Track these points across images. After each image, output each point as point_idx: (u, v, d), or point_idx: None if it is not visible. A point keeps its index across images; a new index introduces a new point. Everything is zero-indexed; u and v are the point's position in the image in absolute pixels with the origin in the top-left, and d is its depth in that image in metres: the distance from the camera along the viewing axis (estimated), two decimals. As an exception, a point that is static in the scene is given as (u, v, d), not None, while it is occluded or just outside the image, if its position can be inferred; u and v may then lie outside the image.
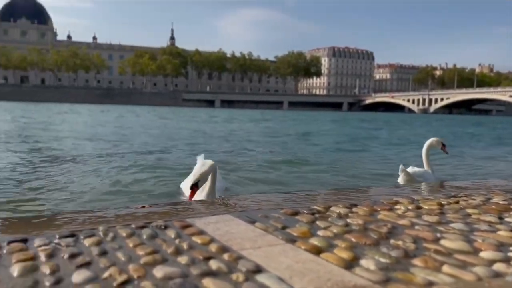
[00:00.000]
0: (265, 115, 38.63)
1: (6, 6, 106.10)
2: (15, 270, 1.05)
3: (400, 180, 4.08)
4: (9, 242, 1.26)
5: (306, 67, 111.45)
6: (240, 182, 4.60)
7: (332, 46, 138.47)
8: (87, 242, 1.28)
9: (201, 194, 2.78)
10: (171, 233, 1.39)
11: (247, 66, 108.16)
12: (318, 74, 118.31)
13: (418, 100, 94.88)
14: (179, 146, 9.51)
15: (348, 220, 1.62)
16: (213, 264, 1.10)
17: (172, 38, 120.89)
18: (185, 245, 1.26)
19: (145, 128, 15.97)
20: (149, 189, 4.03)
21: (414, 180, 4.06)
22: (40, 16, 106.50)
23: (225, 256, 1.17)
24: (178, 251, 1.21)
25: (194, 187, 2.68)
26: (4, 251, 1.20)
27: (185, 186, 3.51)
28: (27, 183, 4.29)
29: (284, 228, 1.50)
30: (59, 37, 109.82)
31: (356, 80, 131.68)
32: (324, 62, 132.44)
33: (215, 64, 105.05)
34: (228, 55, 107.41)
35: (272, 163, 6.34)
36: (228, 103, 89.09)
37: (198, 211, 1.77)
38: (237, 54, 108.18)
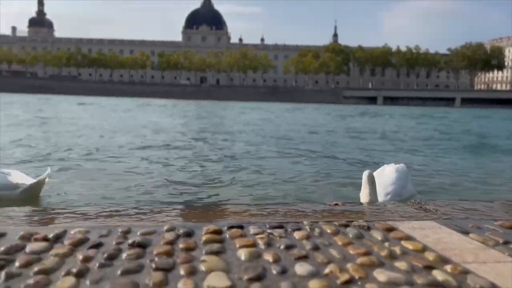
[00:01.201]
0: None
1: (190, 15, 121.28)
2: (242, 254, 1.14)
3: None
4: (229, 227, 1.39)
5: (486, 59, 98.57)
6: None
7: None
8: (296, 235, 1.33)
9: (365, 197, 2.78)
10: (377, 235, 1.35)
11: (413, 60, 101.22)
12: (501, 67, 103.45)
13: None
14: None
15: None
16: (438, 275, 1.02)
17: (335, 35, 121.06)
18: (397, 250, 1.20)
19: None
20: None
21: None
22: (218, 23, 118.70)
23: (448, 268, 1.07)
24: (392, 256, 1.15)
25: None
26: (227, 236, 1.32)
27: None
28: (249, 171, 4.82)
29: (506, 243, 1.31)
30: (231, 41, 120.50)
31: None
32: (509, 53, 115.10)
33: (379, 60, 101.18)
34: (393, 50, 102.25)
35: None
36: (391, 100, 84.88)
37: (397, 214, 1.69)
38: (403, 48, 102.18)
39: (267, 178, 4.32)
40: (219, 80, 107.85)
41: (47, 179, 3.83)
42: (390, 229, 1.42)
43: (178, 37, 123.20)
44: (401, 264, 1.08)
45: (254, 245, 1.22)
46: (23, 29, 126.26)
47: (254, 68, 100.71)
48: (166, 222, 1.46)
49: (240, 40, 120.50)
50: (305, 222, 1.47)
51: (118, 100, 47.48)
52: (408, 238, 1.33)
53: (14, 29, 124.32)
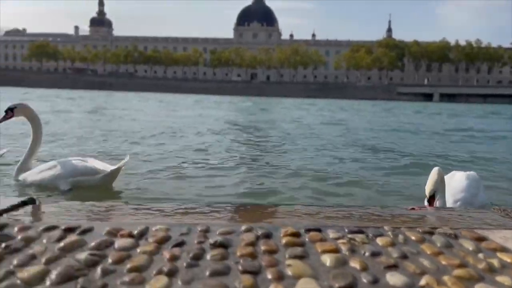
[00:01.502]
0: None
1: (242, 12, 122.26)
2: (327, 260, 1.10)
3: None
4: (307, 230, 1.35)
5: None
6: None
7: None
8: (379, 241, 1.27)
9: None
10: (467, 245, 1.26)
11: (474, 55, 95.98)
12: None
13: None
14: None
15: None
16: (550, 295, 0.93)
17: (389, 30, 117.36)
18: (495, 263, 1.11)
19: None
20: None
21: None
22: (269, 19, 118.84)
23: (557, 286, 0.98)
24: (491, 269, 1.07)
25: (431, 199, 2.62)
26: (306, 239, 1.29)
27: None
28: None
29: None
30: (282, 37, 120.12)
31: None
32: None
33: (436, 55, 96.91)
34: (451, 44, 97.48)
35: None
36: (448, 97, 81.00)
37: (482, 221, 1.58)
38: (462, 43, 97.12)
39: (336, 178, 4.26)
40: (269, 76, 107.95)
41: (123, 167, 3.97)
42: (480, 239, 1.32)
43: (230, 34, 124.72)
44: (503, 279, 1.00)
45: (337, 250, 1.18)
46: (85, 29, 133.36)
47: (305, 64, 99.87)
48: (242, 221, 1.46)
49: (291, 36, 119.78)
50: (386, 228, 1.40)
51: (173, 97, 48.92)
52: (504, 249, 1.23)
53: (76, 28, 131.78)
